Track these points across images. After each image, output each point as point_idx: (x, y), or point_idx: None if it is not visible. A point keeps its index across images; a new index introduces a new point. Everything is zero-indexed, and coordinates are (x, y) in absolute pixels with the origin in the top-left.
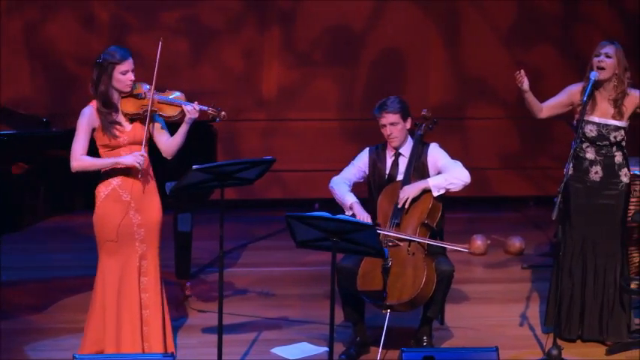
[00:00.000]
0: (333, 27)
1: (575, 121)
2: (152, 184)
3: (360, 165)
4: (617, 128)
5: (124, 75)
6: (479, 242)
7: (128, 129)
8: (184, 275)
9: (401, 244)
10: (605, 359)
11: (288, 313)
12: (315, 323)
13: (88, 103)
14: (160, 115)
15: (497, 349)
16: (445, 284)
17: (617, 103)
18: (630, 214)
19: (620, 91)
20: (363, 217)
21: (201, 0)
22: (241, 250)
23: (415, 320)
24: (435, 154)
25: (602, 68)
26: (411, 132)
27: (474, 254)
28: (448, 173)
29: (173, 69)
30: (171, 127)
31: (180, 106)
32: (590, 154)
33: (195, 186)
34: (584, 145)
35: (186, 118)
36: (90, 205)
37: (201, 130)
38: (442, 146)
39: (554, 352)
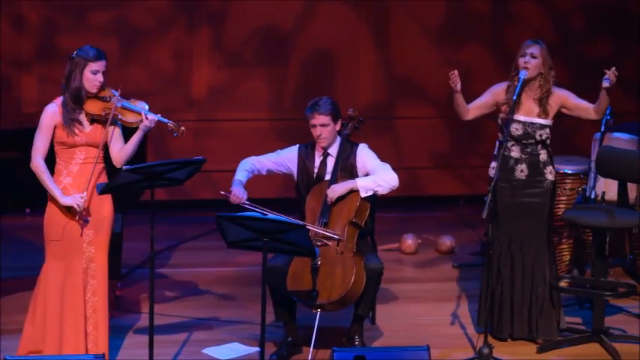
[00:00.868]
0: (263, 27)
1: (499, 120)
2: None
3: (285, 157)
4: (543, 127)
5: (94, 75)
6: (409, 241)
7: (87, 130)
8: (115, 276)
9: (330, 243)
10: (536, 357)
11: (219, 314)
12: (246, 323)
13: (19, 102)
14: (121, 120)
15: (428, 347)
16: (375, 282)
17: (542, 102)
18: (560, 213)
19: (545, 90)
20: (236, 193)
21: (131, 0)
22: (172, 250)
23: (346, 319)
24: (364, 156)
25: (528, 69)
26: (339, 132)
27: (405, 253)
28: (377, 176)
29: None
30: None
31: (141, 114)
32: (515, 153)
33: (126, 187)
34: (510, 144)
35: (141, 125)
36: (19, 207)
37: (131, 132)
38: (372, 147)
39: (486, 350)
